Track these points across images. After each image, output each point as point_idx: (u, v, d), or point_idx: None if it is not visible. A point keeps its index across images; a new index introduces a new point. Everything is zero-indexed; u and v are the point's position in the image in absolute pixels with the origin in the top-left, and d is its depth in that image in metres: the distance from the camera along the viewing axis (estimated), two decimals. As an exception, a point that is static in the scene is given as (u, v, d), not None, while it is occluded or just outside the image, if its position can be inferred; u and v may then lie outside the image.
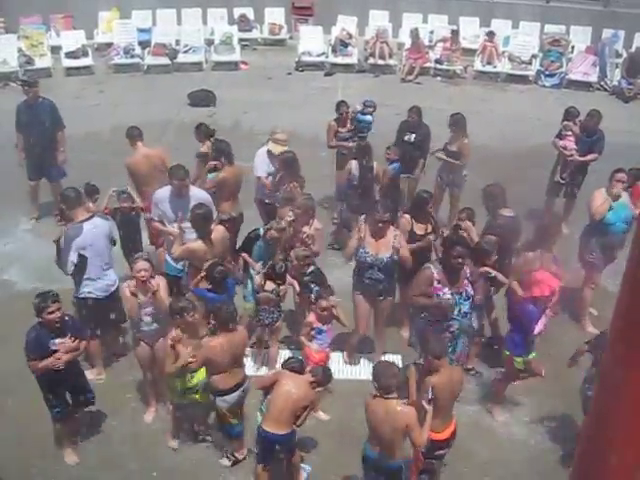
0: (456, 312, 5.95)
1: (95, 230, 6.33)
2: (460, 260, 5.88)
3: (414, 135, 9.04)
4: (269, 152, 8.06)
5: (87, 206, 6.69)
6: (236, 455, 5.86)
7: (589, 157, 9.04)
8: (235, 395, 5.61)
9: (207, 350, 5.44)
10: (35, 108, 8.82)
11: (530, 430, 6.36)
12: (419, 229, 7.01)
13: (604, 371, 2.84)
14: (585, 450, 3.00)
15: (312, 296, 6.66)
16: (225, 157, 7.70)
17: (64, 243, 6.27)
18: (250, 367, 6.82)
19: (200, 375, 5.65)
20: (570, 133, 9.11)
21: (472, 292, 6.04)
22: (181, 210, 6.80)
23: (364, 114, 9.42)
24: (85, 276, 6.31)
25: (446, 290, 5.91)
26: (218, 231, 6.65)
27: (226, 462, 5.88)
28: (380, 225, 6.39)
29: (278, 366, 6.72)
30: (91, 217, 6.39)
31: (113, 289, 6.47)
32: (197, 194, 7.11)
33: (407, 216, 7.11)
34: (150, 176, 7.65)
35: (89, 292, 6.36)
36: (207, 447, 6.02)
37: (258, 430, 5.30)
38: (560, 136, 9.23)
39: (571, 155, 9.03)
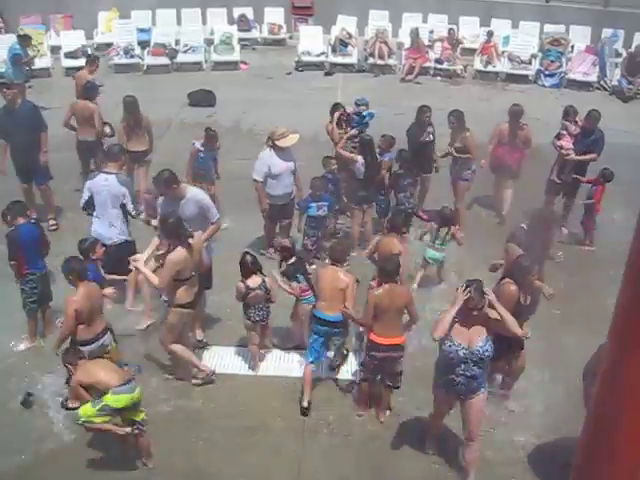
0: None
1: (104, 184, 7.31)
2: None
3: (430, 134, 9.11)
4: (280, 150, 8.04)
5: (120, 164, 7.62)
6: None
7: (587, 157, 9.03)
8: (95, 345, 5.84)
9: (74, 303, 5.74)
10: (15, 112, 8.67)
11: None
12: (522, 299, 5.97)
13: (605, 372, 2.83)
14: (585, 450, 3.00)
15: (299, 285, 6.66)
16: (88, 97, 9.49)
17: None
18: (244, 366, 6.85)
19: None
20: (565, 132, 9.12)
21: None
22: (176, 209, 6.67)
23: (360, 112, 9.44)
24: (93, 217, 7.37)
25: None
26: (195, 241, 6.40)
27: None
28: (476, 313, 5.24)
29: (271, 364, 6.80)
30: (111, 173, 7.35)
31: (110, 242, 7.20)
32: (194, 194, 6.85)
33: (512, 282, 5.96)
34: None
35: (93, 230, 7.29)
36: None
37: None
38: (558, 136, 9.24)
39: (568, 154, 9.03)
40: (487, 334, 5.26)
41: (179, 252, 6.01)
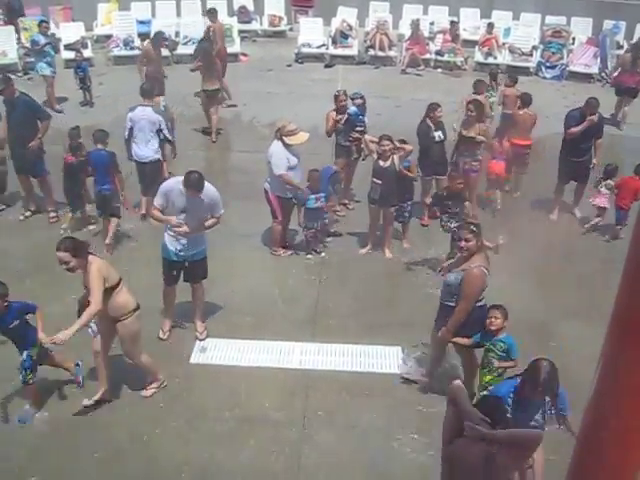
0: None
1: (142, 114, 8.69)
2: None
3: (441, 132, 8.79)
4: (287, 146, 7.99)
5: (153, 99, 9.14)
6: None
7: (599, 149, 9.01)
8: None
9: None
10: (12, 105, 8.71)
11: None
12: None
13: (603, 368, 2.82)
14: (583, 449, 2.99)
15: None
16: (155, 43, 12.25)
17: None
18: (243, 358, 6.85)
19: None
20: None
21: None
22: (189, 204, 6.58)
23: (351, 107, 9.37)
24: (132, 144, 8.73)
25: None
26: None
27: None
28: None
29: (272, 356, 6.81)
30: (147, 106, 8.76)
31: (147, 160, 8.71)
32: (207, 189, 6.64)
33: None
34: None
35: (132, 156, 8.79)
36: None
37: None
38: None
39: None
40: None
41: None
